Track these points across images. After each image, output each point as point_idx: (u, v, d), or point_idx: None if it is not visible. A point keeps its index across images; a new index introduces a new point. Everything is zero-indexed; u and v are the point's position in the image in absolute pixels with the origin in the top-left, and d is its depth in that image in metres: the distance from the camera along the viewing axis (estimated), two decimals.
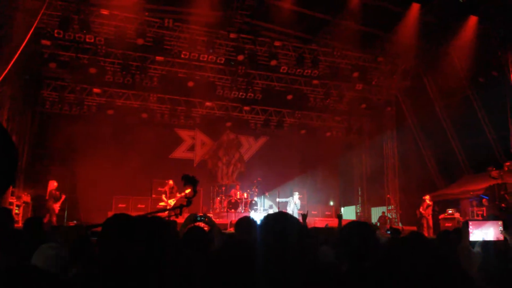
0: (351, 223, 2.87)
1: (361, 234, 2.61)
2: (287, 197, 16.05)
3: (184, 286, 1.93)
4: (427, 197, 14.62)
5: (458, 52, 14.86)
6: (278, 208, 15.01)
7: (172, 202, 13.00)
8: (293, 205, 15.02)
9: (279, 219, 2.05)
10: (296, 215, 14.74)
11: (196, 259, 2.36)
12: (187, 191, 13.70)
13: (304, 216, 6.42)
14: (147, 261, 1.73)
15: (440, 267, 1.76)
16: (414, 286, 1.93)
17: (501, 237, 4.07)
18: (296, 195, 15.02)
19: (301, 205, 15.68)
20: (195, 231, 3.61)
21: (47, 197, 13.00)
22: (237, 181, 17.33)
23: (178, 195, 13.68)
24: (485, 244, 3.65)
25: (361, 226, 2.74)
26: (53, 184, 13.10)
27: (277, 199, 15.35)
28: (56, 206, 12.83)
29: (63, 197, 13.12)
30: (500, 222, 4.31)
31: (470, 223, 4.16)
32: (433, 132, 16.93)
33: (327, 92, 17.75)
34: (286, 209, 15.47)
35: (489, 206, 12.59)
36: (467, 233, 4.01)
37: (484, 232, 4.31)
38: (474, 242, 4.00)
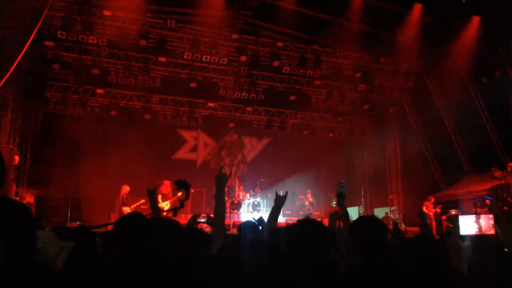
0: (363, 217, 2.90)
1: (373, 228, 2.63)
2: (290, 197, 16.01)
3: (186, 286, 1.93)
4: (431, 198, 14.60)
5: (461, 52, 14.81)
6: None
7: (165, 205, 12.92)
8: (309, 204, 15.13)
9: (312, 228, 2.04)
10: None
11: (198, 259, 2.36)
12: (180, 193, 13.63)
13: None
14: (155, 260, 1.74)
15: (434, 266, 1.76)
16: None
17: (492, 231, 4.05)
18: (309, 194, 15.14)
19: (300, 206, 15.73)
20: (193, 232, 3.61)
21: (120, 201, 13.17)
22: (240, 182, 17.34)
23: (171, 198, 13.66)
24: (475, 238, 3.60)
25: (372, 220, 2.77)
26: (125, 189, 13.19)
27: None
28: (126, 210, 12.89)
29: (142, 201, 13.19)
30: (491, 216, 4.30)
31: (460, 217, 4.16)
32: (436, 132, 16.88)
33: (329, 93, 17.75)
34: (303, 210, 15.54)
35: (492, 207, 12.55)
36: (457, 228, 4.00)
37: (475, 226, 4.30)
38: (465, 236, 3.97)
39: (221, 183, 3.58)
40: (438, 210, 14.22)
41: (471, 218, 4.45)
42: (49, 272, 1.45)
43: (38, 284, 1.31)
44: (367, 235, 2.59)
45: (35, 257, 1.51)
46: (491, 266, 2.44)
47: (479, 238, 3.55)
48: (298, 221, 2.05)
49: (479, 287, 2.29)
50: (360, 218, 2.92)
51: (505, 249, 2.89)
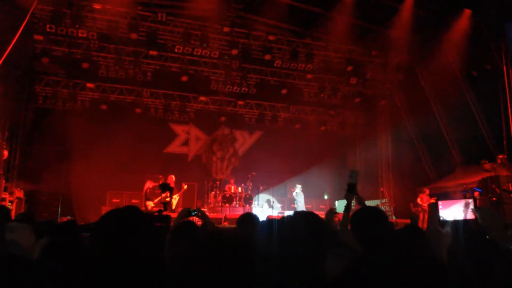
0: (365, 208, 2.90)
1: (376, 218, 2.64)
2: (281, 191, 16.09)
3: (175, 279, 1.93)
4: (426, 190, 14.68)
5: (452, 46, 14.87)
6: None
7: (176, 197, 13.06)
8: (297, 197, 15.25)
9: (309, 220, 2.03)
10: (302, 207, 14.95)
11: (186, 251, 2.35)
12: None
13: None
14: (142, 254, 1.73)
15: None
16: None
17: (472, 216, 4.06)
18: (299, 188, 15.23)
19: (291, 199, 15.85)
20: (184, 225, 3.61)
21: (143, 195, 13.40)
22: (231, 175, 17.35)
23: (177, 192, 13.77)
24: (455, 223, 3.59)
25: (375, 211, 2.78)
26: (149, 184, 13.42)
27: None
28: (149, 204, 12.99)
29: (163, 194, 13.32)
30: (471, 201, 4.33)
31: (440, 202, 4.18)
32: (426, 125, 16.97)
33: (321, 86, 17.76)
34: (295, 203, 15.61)
35: (481, 199, 12.65)
36: (436, 214, 4.01)
37: (455, 212, 4.32)
38: (444, 222, 3.96)
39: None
40: (433, 201, 14.28)
41: (451, 203, 4.47)
42: (24, 263, 1.44)
43: (13, 275, 1.29)
44: (371, 226, 2.59)
45: (8, 248, 1.50)
46: (471, 251, 2.45)
47: (459, 224, 3.54)
48: (294, 212, 2.05)
49: (459, 273, 2.30)
50: (363, 208, 2.91)
51: (487, 236, 2.91)
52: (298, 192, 15.32)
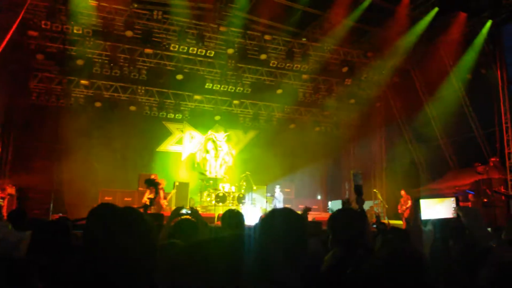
0: (342, 210, 2.91)
1: (353, 220, 2.65)
2: (272, 192, 16.11)
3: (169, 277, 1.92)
4: (402, 191, 14.71)
5: (447, 49, 14.95)
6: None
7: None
8: (275, 199, 15.32)
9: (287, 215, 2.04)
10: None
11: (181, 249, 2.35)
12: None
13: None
14: (129, 250, 1.72)
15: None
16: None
17: (454, 214, 4.07)
18: (278, 189, 15.33)
19: (285, 199, 15.90)
20: (184, 223, 3.60)
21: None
22: (225, 174, 17.33)
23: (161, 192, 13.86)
24: (437, 222, 3.60)
25: (353, 213, 2.79)
26: (163, 183, 13.77)
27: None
28: (163, 203, 13.47)
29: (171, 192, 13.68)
30: (453, 199, 4.32)
31: (422, 201, 4.18)
32: (420, 127, 17.04)
33: (316, 87, 17.79)
34: (274, 204, 15.62)
35: (474, 201, 12.72)
36: (418, 212, 4.02)
37: (437, 210, 4.30)
38: (426, 221, 3.96)
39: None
40: (409, 204, 14.29)
41: (433, 201, 4.43)
42: (11, 260, 1.43)
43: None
44: (347, 227, 2.61)
45: None
46: (452, 249, 2.46)
47: (441, 222, 3.55)
48: (270, 211, 2.06)
49: (440, 272, 2.31)
50: (340, 210, 2.94)
51: (469, 234, 2.92)
52: (277, 193, 15.42)
